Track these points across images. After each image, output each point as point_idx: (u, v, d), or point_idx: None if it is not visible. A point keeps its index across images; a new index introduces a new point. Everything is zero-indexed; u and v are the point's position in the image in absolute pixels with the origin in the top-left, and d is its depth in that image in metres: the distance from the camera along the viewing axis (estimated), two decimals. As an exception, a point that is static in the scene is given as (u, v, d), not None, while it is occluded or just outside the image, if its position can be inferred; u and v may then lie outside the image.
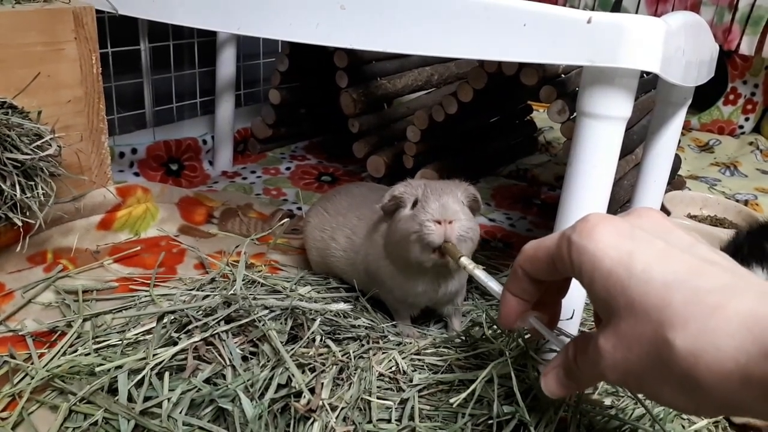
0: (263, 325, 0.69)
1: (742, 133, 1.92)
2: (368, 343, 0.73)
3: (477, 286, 0.92)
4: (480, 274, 0.61)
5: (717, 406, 0.36)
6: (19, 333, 0.74)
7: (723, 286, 0.35)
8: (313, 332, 0.70)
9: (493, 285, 0.59)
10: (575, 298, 0.60)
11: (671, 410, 0.68)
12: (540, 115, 1.74)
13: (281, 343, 0.67)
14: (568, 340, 0.51)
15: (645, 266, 0.38)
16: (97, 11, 0.92)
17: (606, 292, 0.39)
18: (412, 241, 0.68)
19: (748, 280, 0.36)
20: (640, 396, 0.68)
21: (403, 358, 0.71)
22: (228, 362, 0.66)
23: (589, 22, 0.57)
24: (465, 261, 0.64)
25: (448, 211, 0.67)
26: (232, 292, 0.75)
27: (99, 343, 0.71)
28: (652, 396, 0.40)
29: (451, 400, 0.62)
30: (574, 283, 0.53)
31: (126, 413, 0.60)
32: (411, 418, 0.62)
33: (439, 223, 0.66)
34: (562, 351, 0.48)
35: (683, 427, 0.66)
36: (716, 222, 1.19)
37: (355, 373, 0.67)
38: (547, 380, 0.48)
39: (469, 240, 0.68)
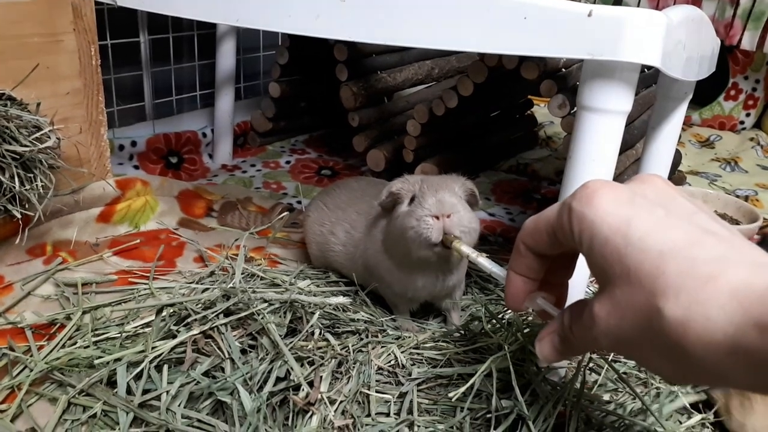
0: (262, 318, 0.69)
1: (743, 129, 1.91)
2: (367, 336, 0.73)
3: (476, 280, 0.92)
4: (484, 261, 0.61)
5: (703, 375, 0.36)
6: (19, 325, 0.74)
7: (718, 257, 0.35)
8: (312, 326, 0.70)
9: (497, 270, 0.59)
10: (573, 297, 0.60)
11: (668, 408, 0.68)
12: (540, 110, 1.73)
13: (280, 336, 0.67)
14: None
15: (642, 234, 0.37)
16: (96, 2, 0.91)
17: (603, 259, 0.39)
18: (411, 238, 0.68)
19: (744, 251, 0.36)
20: (638, 391, 0.68)
21: (402, 352, 0.71)
22: (227, 355, 0.66)
23: (589, 15, 0.56)
24: (467, 249, 0.64)
25: (446, 206, 0.67)
26: (231, 285, 0.75)
27: (98, 335, 0.71)
28: (641, 363, 0.40)
29: (450, 394, 0.62)
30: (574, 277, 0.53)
31: (125, 406, 0.60)
32: (410, 411, 0.62)
33: (437, 218, 0.66)
34: (558, 317, 0.48)
35: (680, 422, 0.66)
36: (716, 217, 1.18)
37: (353, 367, 0.67)
38: (542, 345, 0.48)
39: (469, 232, 0.68)
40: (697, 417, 0.67)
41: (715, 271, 0.34)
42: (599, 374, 0.72)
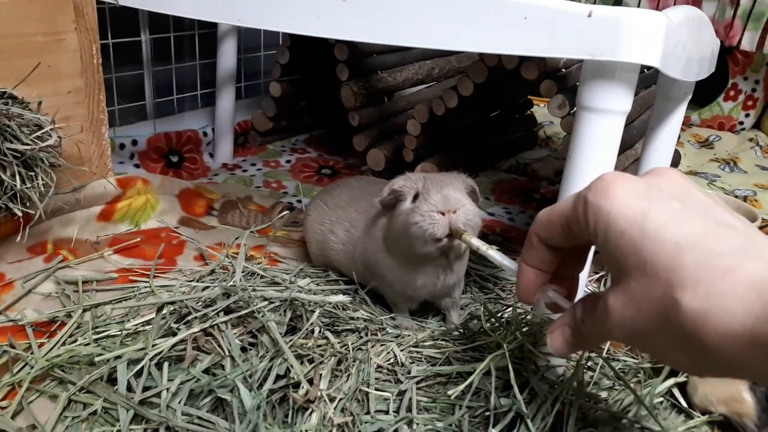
0: (262, 316, 0.69)
1: (742, 129, 1.91)
2: (367, 335, 0.73)
3: (475, 279, 0.92)
4: (494, 254, 0.61)
5: (720, 367, 0.36)
6: (19, 323, 0.74)
7: (735, 249, 0.35)
8: (311, 324, 0.70)
9: (508, 263, 0.58)
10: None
11: (666, 404, 0.68)
12: (540, 110, 1.74)
13: (280, 334, 0.67)
14: None
15: (658, 226, 0.37)
16: (98, 2, 0.91)
17: (618, 251, 0.39)
18: (416, 234, 0.68)
19: (761, 243, 0.36)
20: (637, 390, 0.68)
21: (401, 351, 0.71)
22: (227, 353, 0.66)
23: (589, 15, 0.57)
24: (477, 242, 0.64)
25: (451, 202, 0.67)
26: (231, 283, 0.75)
27: (98, 333, 0.71)
28: (657, 355, 0.40)
29: (449, 392, 0.62)
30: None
31: (125, 403, 0.60)
32: (409, 409, 0.62)
33: (443, 214, 0.67)
34: (569, 310, 0.47)
35: (673, 424, 0.67)
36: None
37: (353, 365, 0.67)
38: (554, 338, 0.48)
39: (474, 225, 0.69)
40: (699, 419, 0.67)
41: (733, 263, 0.34)
42: (597, 372, 0.72)
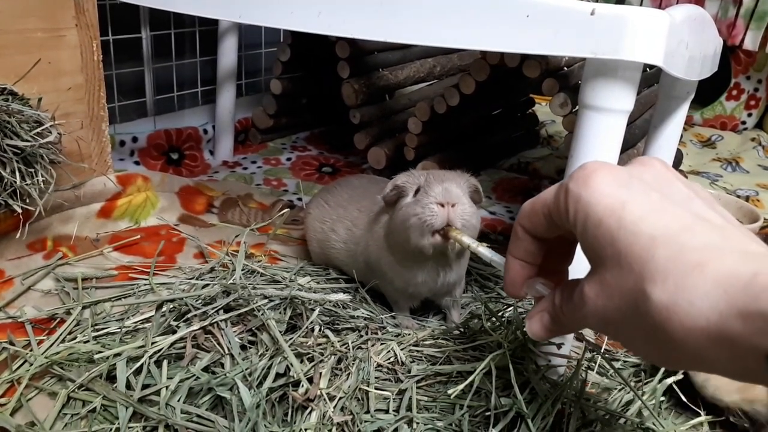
0: (262, 314, 0.69)
1: (745, 129, 1.91)
2: (367, 333, 0.73)
3: (476, 278, 0.92)
4: (484, 250, 0.61)
5: (686, 360, 0.36)
6: (19, 320, 0.74)
7: (708, 245, 0.35)
8: (312, 322, 0.70)
9: (497, 259, 0.58)
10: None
11: (666, 404, 0.68)
12: (542, 109, 1.73)
13: (280, 332, 0.67)
14: None
15: (635, 218, 0.38)
16: (98, -2, 0.91)
17: (595, 240, 0.39)
18: (414, 226, 0.68)
19: (735, 239, 0.36)
20: (638, 390, 0.68)
21: (401, 349, 0.71)
22: (226, 351, 0.66)
23: (592, 13, 0.56)
24: (467, 240, 0.65)
25: (451, 195, 0.67)
26: (231, 281, 0.75)
27: (98, 330, 0.71)
28: (626, 344, 0.41)
29: (449, 392, 0.62)
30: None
31: (124, 400, 0.60)
32: (408, 408, 0.62)
33: (442, 206, 0.67)
34: (548, 296, 0.48)
35: (674, 423, 0.66)
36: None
37: (353, 364, 0.67)
38: (532, 323, 0.49)
39: (471, 226, 0.69)
40: (700, 418, 0.66)
41: (704, 259, 0.34)
42: (599, 373, 0.72)
